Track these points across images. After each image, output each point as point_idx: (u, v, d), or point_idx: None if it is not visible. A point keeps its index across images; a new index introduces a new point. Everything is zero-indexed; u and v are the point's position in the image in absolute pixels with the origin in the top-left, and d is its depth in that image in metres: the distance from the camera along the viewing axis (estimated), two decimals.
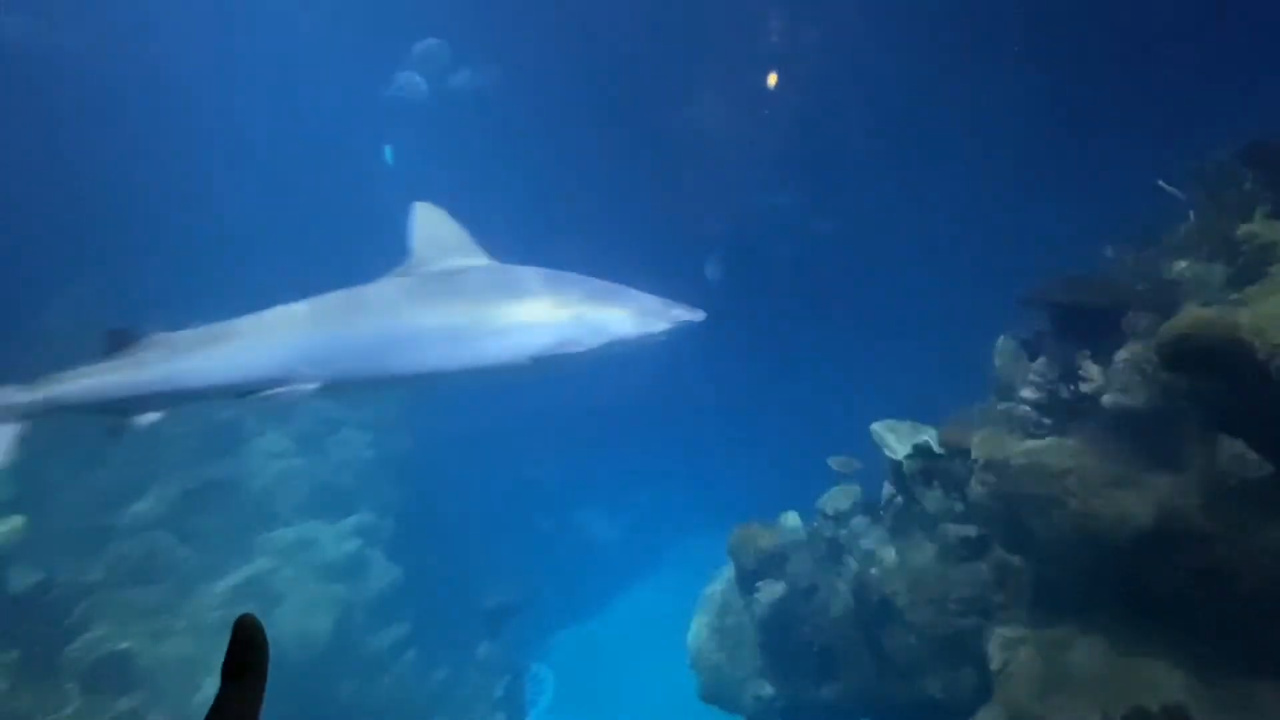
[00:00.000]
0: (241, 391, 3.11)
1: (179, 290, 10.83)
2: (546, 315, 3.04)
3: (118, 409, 3.19)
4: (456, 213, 3.34)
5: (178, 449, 8.75)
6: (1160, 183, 5.14)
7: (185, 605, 7.63)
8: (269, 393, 3.05)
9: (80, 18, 11.54)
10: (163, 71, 11.70)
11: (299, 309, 3.20)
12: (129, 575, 7.63)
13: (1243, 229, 4.30)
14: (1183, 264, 4.77)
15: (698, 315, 3.53)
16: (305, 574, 8.48)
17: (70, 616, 7.27)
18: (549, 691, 10.26)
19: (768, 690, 6.60)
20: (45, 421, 3.14)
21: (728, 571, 7.24)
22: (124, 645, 7.08)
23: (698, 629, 7.24)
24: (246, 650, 0.83)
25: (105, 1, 11.70)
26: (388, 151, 12.70)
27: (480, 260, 3.18)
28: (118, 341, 3.22)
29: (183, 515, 8.24)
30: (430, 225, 3.17)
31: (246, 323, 3.24)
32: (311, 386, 3.00)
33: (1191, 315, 3.72)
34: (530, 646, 10.68)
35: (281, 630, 7.75)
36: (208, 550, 8.18)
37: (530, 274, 3.16)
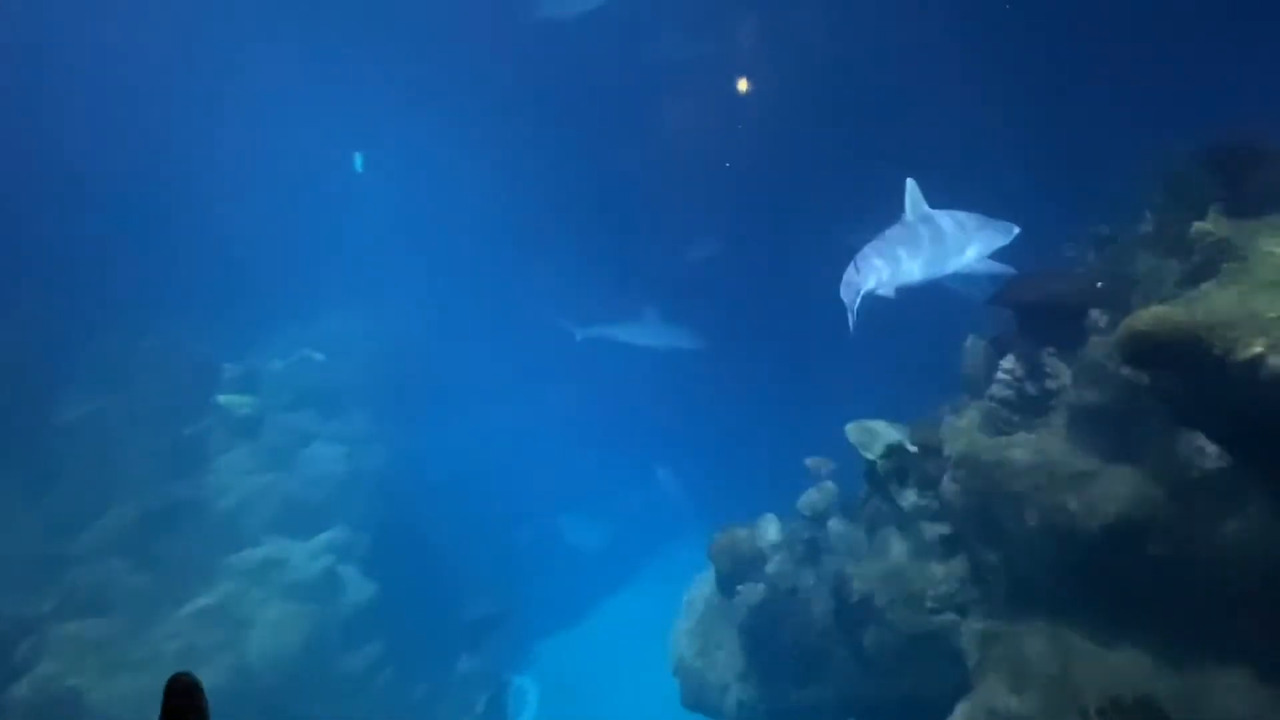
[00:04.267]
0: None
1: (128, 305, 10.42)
2: (989, 237, 4.83)
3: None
4: None
5: (136, 469, 8.40)
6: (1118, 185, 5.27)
7: (142, 636, 7.29)
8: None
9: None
10: (107, 82, 11.27)
11: (894, 233, 4.86)
12: (81, 606, 7.26)
13: (1197, 227, 4.42)
14: (1141, 261, 4.90)
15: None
16: (274, 595, 8.20)
17: (16, 653, 6.90)
18: (532, 704, 10.13)
19: (750, 694, 6.60)
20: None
21: (708, 576, 7.22)
22: (73, 682, 6.71)
23: (678, 635, 7.22)
24: (180, 715, 0.75)
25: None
26: (357, 160, 12.46)
27: (928, 209, 4.93)
28: None
29: (141, 539, 7.88)
30: (914, 191, 4.90)
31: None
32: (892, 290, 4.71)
33: (1150, 313, 3.80)
34: (512, 659, 10.53)
35: (250, 654, 7.49)
36: (168, 575, 7.85)
37: (959, 214, 4.92)
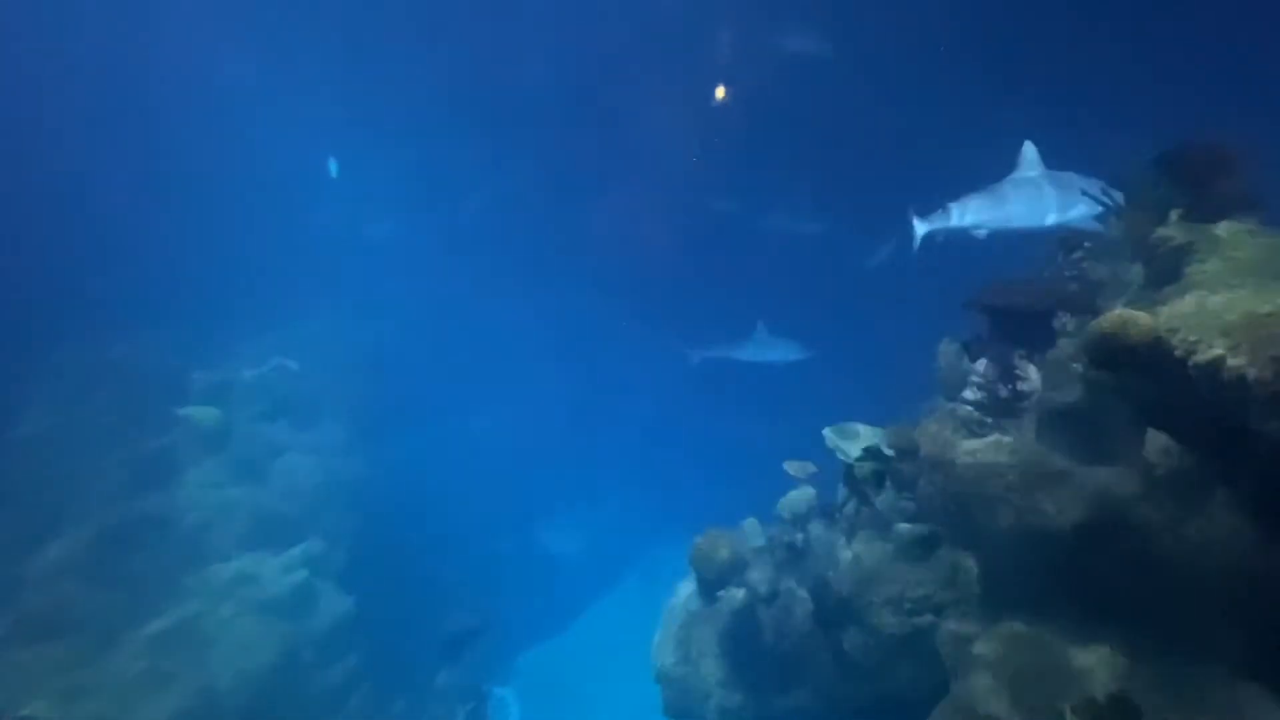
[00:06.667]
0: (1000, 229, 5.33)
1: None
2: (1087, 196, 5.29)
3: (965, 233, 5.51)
4: None
5: (99, 484, 8.11)
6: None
7: (103, 658, 7.01)
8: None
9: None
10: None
11: (1003, 185, 5.43)
12: (37, 629, 6.95)
13: (1158, 232, 4.52)
14: (1108, 265, 5.01)
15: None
16: (246, 611, 7.96)
17: None
18: (513, 715, 10.00)
19: (733, 700, 6.57)
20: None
21: (689, 582, 7.19)
22: (28, 710, 6.40)
23: (660, 643, 7.17)
24: None
25: None
26: (332, 165, 12.30)
27: (1042, 169, 5.46)
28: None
29: (103, 558, 7.59)
30: (1029, 151, 5.43)
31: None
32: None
33: (1114, 316, 3.88)
34: (492, 670, 10.39)
35: (219, 674, 7.24)
36: (132, 595, 7.56)
37: (1067, 175, 5.43)
